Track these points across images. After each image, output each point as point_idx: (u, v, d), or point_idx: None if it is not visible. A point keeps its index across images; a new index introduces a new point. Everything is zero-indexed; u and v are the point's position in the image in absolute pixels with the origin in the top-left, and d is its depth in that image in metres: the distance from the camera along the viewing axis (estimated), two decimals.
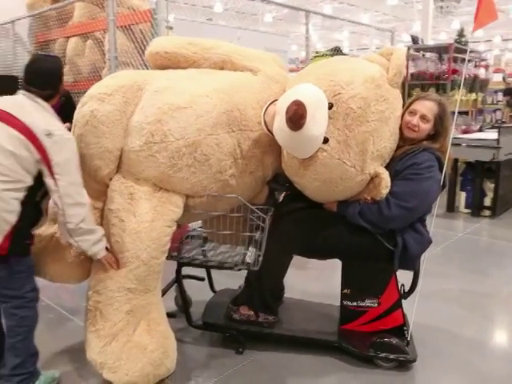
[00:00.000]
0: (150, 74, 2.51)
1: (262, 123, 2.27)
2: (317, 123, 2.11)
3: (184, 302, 2.63)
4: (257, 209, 2.41)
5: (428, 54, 7.63)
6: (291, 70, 8.36)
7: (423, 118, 2.37)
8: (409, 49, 7.54)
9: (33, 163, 1.97)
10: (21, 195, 1.97)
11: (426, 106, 2.38)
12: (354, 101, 2.18)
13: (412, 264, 2.45)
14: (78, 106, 2.35)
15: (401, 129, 2.38)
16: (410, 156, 2.34)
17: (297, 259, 2.58)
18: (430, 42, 10.77)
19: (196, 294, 2.97)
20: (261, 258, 2.40)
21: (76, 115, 2.33)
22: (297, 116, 2.05)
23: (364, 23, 8.72)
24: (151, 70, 2.66)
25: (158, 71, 2.54)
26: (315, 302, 2.89)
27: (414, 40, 7.91)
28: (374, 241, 2.37)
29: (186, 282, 2.97)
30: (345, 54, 6.84)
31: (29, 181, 1.99)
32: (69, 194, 2.02)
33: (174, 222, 2.28)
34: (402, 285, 2.56)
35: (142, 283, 2.19)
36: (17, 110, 1.99)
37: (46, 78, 2.13)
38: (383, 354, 2.43)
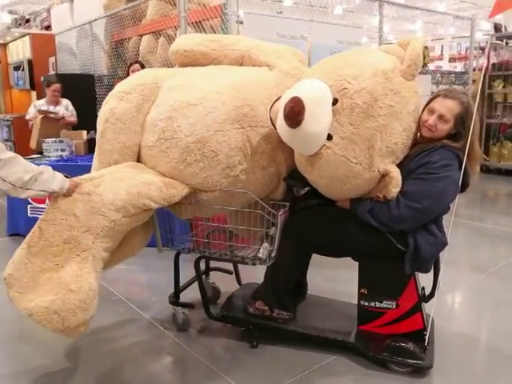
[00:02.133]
0: (168, 72, 2.60)
1: (268, 120, 2.24)
2: (317, 120, 2.05)
3: (203, 293, 2.66)
4: (272, 204, 2.43)
5: None
6: None
7: (441, 118, 2.21)
8: (491, 37, 7.06)
9: None
10: None
11: (446, 106, 2.21)
12: (360, 95, 2.09)
13: (424, 266, 2.33)
14: (102, 105, 2.48)
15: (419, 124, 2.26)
16: (426, 154, 2.20)
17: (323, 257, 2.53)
18: None
19: (227, 286, 3.02)
20: (273, 254, 2.41)
21: (99, 113, 2.48)
22: (293, 113, 2.01)
23: (441, 12, 8.28)
24: (172, 68, 2.74)
25: (178, 69, 2.62)
26: (338, 300, 2.83)
27: (497, 28, 7.40)
28: (385, 241, 2.27)
29: (217, 275, 3.07)
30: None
31: None
32: None
33: (161, 200, 2.25)
34: (423, 287, 2.46)
35: (85, 217, 2.12)
36: None
37: None
38: (397, 359, 2.34)
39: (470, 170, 2.31)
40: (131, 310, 3.01)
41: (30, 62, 6.66)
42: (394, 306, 2.39)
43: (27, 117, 5.48)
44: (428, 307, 2.46)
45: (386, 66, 2.17)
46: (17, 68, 7.12)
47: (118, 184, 2.20)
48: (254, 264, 2.45)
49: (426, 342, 2.35)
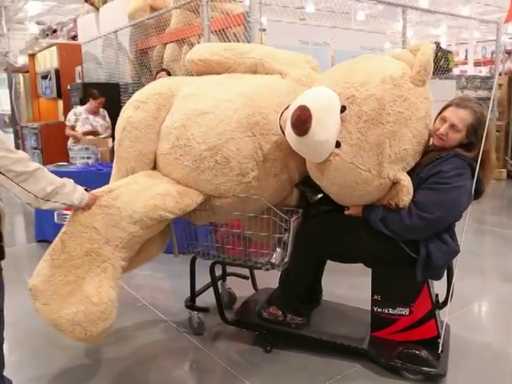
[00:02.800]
0: (184, 80, 2.66)
1: (278, 128, 2.26)
2: (324, 128, 2.07)
3: (218, 298, 2.70)
4: (286, 211, 2.47)
5: None
6: None
7: (453, 127, 2.20)
8: None
9: None
10: None
11: (458, 115, 2.20)
12: (367, 103, 2.10)
13: (436, 274, 2.32)
14: (120, 114, 2.56)
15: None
16: (438, 163, 2.18)
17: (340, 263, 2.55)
18: None
19: (244, 291, 3.06)
20: (286, 259, 2.43)
21: (117, 122, 2.56)
22: (300, 121, 2.04)
23: (466, 16, 8.18)
24: (187, 77, 2.80)
25: (193, 77, 2.68)
26: (352, 306, 2.83)
27: None
28: (397, 248, 2.27)
29: (234, 280, 3.11)
30: (444, 50, 6.46)
31: None
32: (18, 174, 1.93)
33: (177, 210, 2.31)
34: (437, 294, 2.45)
35: (105, 229, 2.19)
36: None
37: None
38: (410, 366, 2.33)
39: (485, 178, 2.29)
40: (155, 316, 3.06)
41: (57, 72, 6.81)
42: (408, 313, 2.38)
43: (68, 123, 5.58)
44: (445, 315, 2.44)
45: (394, 72, 2.16)
46: (44, 77, 7.29)
47: (135, 196, 2.26)
48: (267, 269, 2.48)
49: (440, 349, 2.33)
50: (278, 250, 2.44)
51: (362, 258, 2.42)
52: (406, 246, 2.26)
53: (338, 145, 2.13)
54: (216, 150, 2.30)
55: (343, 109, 2.12)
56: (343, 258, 2.48)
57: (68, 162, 4.99)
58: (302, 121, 2.04)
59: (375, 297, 2.44)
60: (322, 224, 2.46)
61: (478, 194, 2.29)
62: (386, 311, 2.42)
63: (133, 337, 2.81)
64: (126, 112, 2.52)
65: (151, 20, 5.63)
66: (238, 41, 4.22)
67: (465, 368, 2.45)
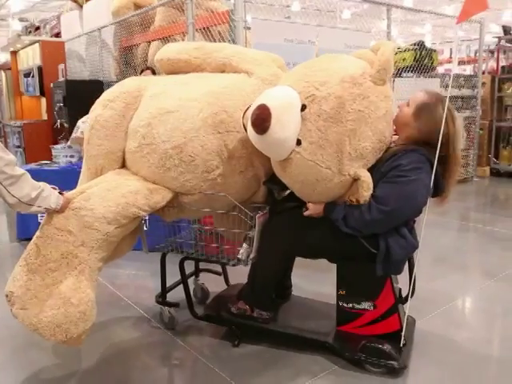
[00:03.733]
0: (152, 80, 2.69)
1: (241, 126, 2.31)
2: (283, 126, 2.12)
3: (187, 293, 2.75)
4: (253, 207, 2.53)
5: None
6: None
7: (407, 104, 2.37)
8: (499, 40, 7.01)
9: None
10: None
11: (414, 95, 2.37)
12: (327, 101, 2.15)
13: (396, 268, 2.37)
14: (89, 112, 2.60)
15: (395, 130, 2.35)
16: (397, 157, 2.25)
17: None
18: None
19: (217, 286, 3.11)
20: (252, 255, 2.49)
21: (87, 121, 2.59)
22: (259, 120, 2.10)
23: (449, 15, 8.25)
24: (156, 77, 2.88)
25: (161, 77, 2.73)
26: (321, 301, 2.88)
27: (506, 30, 7.35)
28: (357, 244, 2.32)
29: (209, 276, 3.17)
30: (429, 49, 6.50)
31: None
32: (7, 177, 1.96)
33: (148, 207, 2.36)
34: (400, 289, 2.51)
35: (79, 231, 2.21)
36: None
37: None
38: (372, 359, 2.38)
39: (448, 175, 2.35)
40: (138, 314, 3.04)
41: (39, 69, 6.72)
42: (372, 308, 2.43)
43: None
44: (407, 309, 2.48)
45: (354, 71, 2.21)
46: (27, 75, 7.20)
47: (107, 195, 2.29)
48: (234, 265, 2.55)
49: (402, 343, 2.38)
50: (245, 245, 2.50)
51: (325, 253, 2.47)
52: (366, 241, 2.30)
53: (298, 143, 2.17)
54: (181, 148, 2.33)
55: (303, 107, 2.17)
56: (306, 253, 2.54)
57: (51, 160, 4.93)
58: (261, 119, 2.09)
59: (340, 292, 2.49)
60: (287, 220, 2.50)
61: (438, 190, 2.35)
62: (351, 306, 2.47)
63: (116, 335, 2.81)
64: (95, 111, 2.55)
65: (135, 17, 5.59)
66: (223, 39, 4.21)
67: (447, 362, 2.48)
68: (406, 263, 2.46)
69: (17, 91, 7.77)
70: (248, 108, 2.25)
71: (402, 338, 2.39)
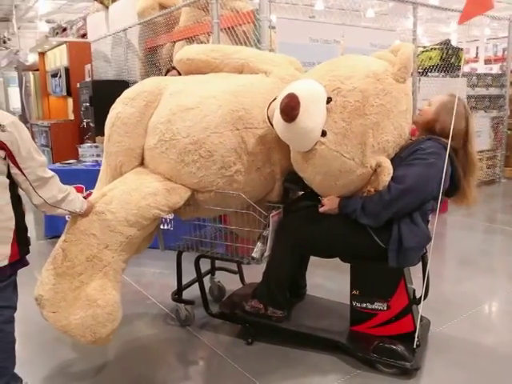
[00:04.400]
0: (171, 79, 2.75)
1: (266, 118, 2.35)
2: (311, 116, 2.16)
3: (202, 291, 2.78)
4: (268, 206, 2.57)
5: None
6: None
7: (429, 104, 2.47)
8: None
9: (1, 162, 1.88)
10: (8, 198, 1.93)
11: (435, 97, 2.49)
12: (352, 94, 2.21)
13: (409, 258, 2.35)
14: (110, 110, 2.64)
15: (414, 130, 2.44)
16: (416, 143, 2.35)
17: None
18: None
19: (234, 285, 3.14)
20: (266, 254, 2.52)
21: (107, 118, 2.64)
22: (288, 108, 2.13)
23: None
24: (176, 76, 2.93)
25: (181, 77, 2.78)
26: (336, 301, 2.88)
27: None
28: (369, 242, 2.34)
29: (226, 275, 3.20)
30: (455, 48, 6.40)
31: (6, 181, 1.93)
32: (38, 178, 1.97)
33: (167, 208, 2.40)
34: (414, 290, 2.50)
35: (103, 235, 2.26)
36: None
37: None
38: (385, 359, 2.38)
39: (466, 173, 2.42)
40: (163, 313, 3.08)
41: (66, 70, 6.84)
42: (385, 308, 2.43)
43: None
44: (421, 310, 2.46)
45: (377, 68, 2.30)
46: (54, 75, 7.33)
47: (127, 198, 2.34)
48: (248, 263, 2.58)
49: (415, 344, 2.37)
50: (259, 244, 2.52)
51: (337, 252, 2.49)
52: (378, 237, 2.32)
53: (323, 134, 2.22)
54: (200, 143, 2.37)
55: (329, 100, 2.22)
56: (319, 252, 2.57)
57: (77, 159, 5.01)
58: (291, 107, 2.13)
59: (354, 292, 2.49)
60: (301, 220, 2.52)
61: (455, 189, 2.42)
62: (365, 306, 2.47)
63: (140, 332, 2.85)
64: (116, 108, 2.60)
65: (160, 18, 5.63)
66: (248, 38, 4.21)
67: (477, 367, 2.45)
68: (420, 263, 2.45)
69: (44, 92, 7.92)
70: (273, 101, 2.29)
71: (416, 339, 2.38)
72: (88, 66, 6.86)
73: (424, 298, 2.44)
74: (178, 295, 2.88)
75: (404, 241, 2.27)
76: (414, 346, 2.38)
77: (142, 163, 2.59)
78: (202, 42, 5.07)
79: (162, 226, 2.93)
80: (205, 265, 2.87)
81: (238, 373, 2.42)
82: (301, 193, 2.65)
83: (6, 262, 1.92)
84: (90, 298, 2.19)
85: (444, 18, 13.00)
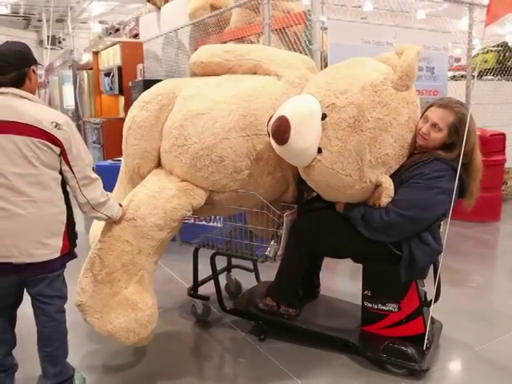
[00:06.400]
0: (185, 81, 2.79)
1: (267, 133, 2.34)
2: (302, 137, 2.17)
3: (217, 287, 2.86)
4: (282, 206, 2.61)
5: None
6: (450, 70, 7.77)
7: (434, 126, 2.25)
8: None
9: (56, 158, 1.98)
10: (60, 193, 2.04)
11: (438, 115, 2.26)
12: (347, 110, 2.18)
13: (420, 273, 2.37)
14: (128, 113, 2.74)
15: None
16: (419, 166, 2.25)
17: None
18: None
19: (249, 283, 3.21)
20: (279, 253, 2.57)
21: (125, 121, 2.74)
22: (279, 132, 2.16)
23: None
24: (191, 78, 2.93)
25: (195, 79, 2.81)
26: (348, 301, 2.90)
27: None
28: (381, 245, 2.33)
29: (240, 272, 3.28)
30: None
31: (59, 176, 2.02)
32: (85, 177, 2.06)
33: (191, 207, 2.47)
34: (425, 292, 2.50)
35: (136, 241, 2.34)
36: (12, 114, 1.92)
37: (3, 61, 1.97)
38: (394, 360, 2.39)
39: (470, 178, 2.32)
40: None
41: (119, 69, 7.03)
42: (396, 309, 2.44)
43: None
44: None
45: (375, 78, 2.22)
46: (107, 74, 7.55)
47: (153, 202, 2.41)
48: (262, 261, 2.65)
49: (425, 346, 2.38)
50: (272, 243, 2.57)
51: (348, 253, 2.52)
52: (391, 243, 2.31)
53: (319, 151, 2.22)
54: (211, 149, 2.41)
55: (324, 116, 2.21)
56: (331, 253, 2.60)
57: None
58: (281, 131, 2.16)
59: (366, 292, 2.51)
60: (313, 220, 2.55)
61: (463, 191, 2.34)
62: (376, 306, 2.49)
63: (183, 330, 2.93)
64: (132, 111, 2.67)
65: (211, 19, 5.69)
66: (299, 39, 4.20)
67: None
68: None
69: (97, 90, 8.17)
70: (271, 116, 2.30)
71: (425, 341, 2.38)
72: (140, 66, 7.03)
73: (435, 301, 2.43)
74: (193, 291, 2.96)
75: (416, 260, 2.27)
76: (424, 348, 2.38)
77: (158, 164, 2.66)
78: (252, 43, 5.10)
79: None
80: (222, 262, 2.96)
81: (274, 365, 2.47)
82: (315, 193, 2.67)
83: (58, 254, 2.03)
84: (130, 303, 2.30)
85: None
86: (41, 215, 1.95)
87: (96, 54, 8.17)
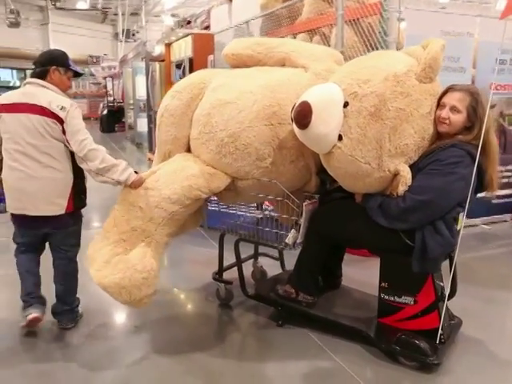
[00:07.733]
0: (216, 72, 2.92)
1: (291, 120, 2.38)
2: (324, 122, 2.22)
3: (240, 272, 2.94)
4: (305, 196, 2.67)
5: None
6: None
7: (453, 109, 2.27)
8: None
9: (60, 133, 2.50)
10: (67, 162, 2.56)
11: (455, 97, 2.28)
12: (368, 99, 2.21)
13: (432, 266, 2.35)
14: (162, 101, 2.89)
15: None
16: (435, 153, 2.27)
17: None
18: None
19: (276, 271, 3.29)
20: (299, 241, 2.63)
21: (158, 109, 2.89)
22: (300, 116, 2.23)
23: None
24: (221, 69, 3.10)
25: (225, 70, 2.95)
26: (368, 293, 2.91)
27: None
28: (395, 237, 2.34)
29: (267, 260, 3.36)
30: None
31: (64, 148, 2.54)
32: (81, 149, 2.49)
33: (208, 190, 2.58)
34: (442, 287, 2.49)
35: (148, 209, 2.50)
36: (32, 98, 2.51)
37: (37, 60, 2.65)
38: (406, 352, 2.41)
39: (489, 165, 2.30)
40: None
41: (190, 60, 7.16)
42: (412, 302, 2.45)
43: None
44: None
45: (399, 69, 2.25)
46: (178, 66, 7.72)
47: (173, 177, 2.56)
48: (282, 249, 2.77)
49: (438, 340, 2.38)
50: (293, 231, 2.63)
51: (364, 244, 2.56)
52: (404, 234, 2.32)
53: (340, 138, 2.26)
54: (235, 136, 2.51)
55: (346, 104, 2.25)
56: (347, 242, 2.66)
57: None
58: (303, 115, 2.23)
59: (383, 284, 2.53)
60: (331, 209, 2.61)
61: (481, 181, 2.31)
62: (392, 299, 2.50)
63: (213, 315, 3.06)
64: (165, 100, 2.84)
65: (283, 10, 5.67)
66: (373, 31, 4.10)
67: None
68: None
69: (168, 81, 8.36)
70: (295, 104, 2.35)
71: (439, 335, 2.38)
72: (211, 57, 7.12)
73: (451, 296, 2.43)
74: (218, 275, 3.07)
75: (429, 251, 2.27)
76: (437, 342, 2.38)
77: (188, 150, 2.80)
78: (324, 35, 5.03)
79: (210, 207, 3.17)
80: (249, 250, 3.08)
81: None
82: (337, 184, 2.68)
83: (63, 211, 2.58)
84: (129, 263, 2.43)
85: None
86: (51, 178, 2.51)
87: (168, 45, 8.34)
